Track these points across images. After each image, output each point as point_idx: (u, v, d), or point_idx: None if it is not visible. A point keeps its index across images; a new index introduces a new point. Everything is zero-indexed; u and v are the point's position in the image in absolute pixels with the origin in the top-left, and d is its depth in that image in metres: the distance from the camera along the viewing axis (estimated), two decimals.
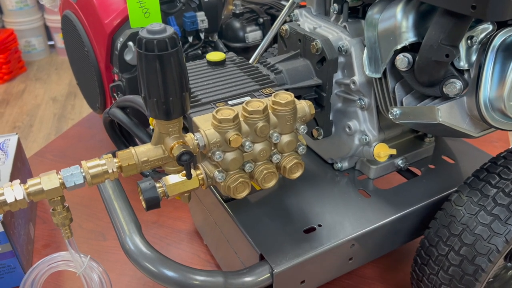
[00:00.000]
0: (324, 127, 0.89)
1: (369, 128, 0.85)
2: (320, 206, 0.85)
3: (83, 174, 0.60)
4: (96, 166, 0.60)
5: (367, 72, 0.77)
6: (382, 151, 0.83)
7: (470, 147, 1.02)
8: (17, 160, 1.12)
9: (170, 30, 0.55)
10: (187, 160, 0.60)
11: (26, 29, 3.73)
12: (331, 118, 0.89)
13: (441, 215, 0.77)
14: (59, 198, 0.59)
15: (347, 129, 0.87)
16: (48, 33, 3.92)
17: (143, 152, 0.63)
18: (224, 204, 0.85)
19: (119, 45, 1.10)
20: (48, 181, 0.58)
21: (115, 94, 1.13)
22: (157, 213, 1.22)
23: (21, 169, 1.15)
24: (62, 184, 0.58)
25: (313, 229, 0.80)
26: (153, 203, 0.68)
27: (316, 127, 0.90)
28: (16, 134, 1.17)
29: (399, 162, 0.93)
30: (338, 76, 0.85)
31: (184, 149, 0.60)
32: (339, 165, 0.94)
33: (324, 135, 0.90)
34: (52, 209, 0.60)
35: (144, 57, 0.55)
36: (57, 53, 3.99)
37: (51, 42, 3.98)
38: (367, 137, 0.85)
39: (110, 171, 0.60)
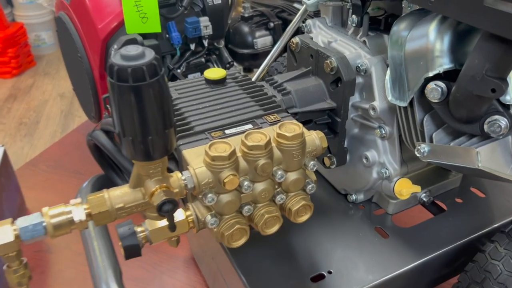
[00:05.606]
0: (338, 155, 0.78)
1: (389, 161, 0.74)
2: (331, 246, 0.75)
3: (44, 224, 0.49)
4: (60, 215, 0.50)
5: (389, 98, 0.66)
6: (405, 189, 0.72)
7: None
8: (1, 175, 1.03)
9: (149, 55, 0.45)
10: (169, 211, 0.49)
11: (36, 23, 3.66)
12: (345, 146, 0.78)
13: (473, 269, 0.66)
14: (14, 253, 0.49)
15: (364, 160, 0.76)
16: None
17: (119, 196, 0.52)
18: None
19: (113, 53, 0.99)
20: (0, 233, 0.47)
21: (108, 106, 1.03)
22: None
23: (5, 185, 1.06)
24: (17, 237, 0.48)
25: (322, 276, 0.70)
26: (133, 251, 0.58)
27: (329, 155, 0.79)
28: (2, 146, 1.08)
29: (422, 195, 0.81)
30: (355, 98, 0.74)
31: (166, 197, 0.50)
32: (354, 197, 0.82)
33: (337, 164, 0.79)
34: (6, 266, 0.50)
35: (116, 88, 0.45)
36: None
37: None
38: (387, 171, 0.74)
39: (77, 220, 0.50)
